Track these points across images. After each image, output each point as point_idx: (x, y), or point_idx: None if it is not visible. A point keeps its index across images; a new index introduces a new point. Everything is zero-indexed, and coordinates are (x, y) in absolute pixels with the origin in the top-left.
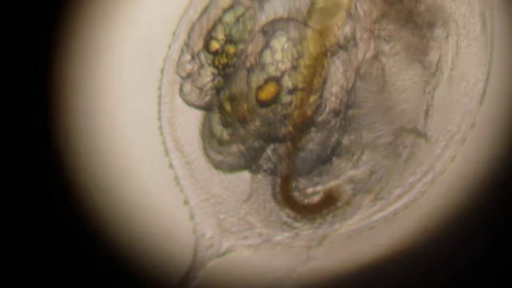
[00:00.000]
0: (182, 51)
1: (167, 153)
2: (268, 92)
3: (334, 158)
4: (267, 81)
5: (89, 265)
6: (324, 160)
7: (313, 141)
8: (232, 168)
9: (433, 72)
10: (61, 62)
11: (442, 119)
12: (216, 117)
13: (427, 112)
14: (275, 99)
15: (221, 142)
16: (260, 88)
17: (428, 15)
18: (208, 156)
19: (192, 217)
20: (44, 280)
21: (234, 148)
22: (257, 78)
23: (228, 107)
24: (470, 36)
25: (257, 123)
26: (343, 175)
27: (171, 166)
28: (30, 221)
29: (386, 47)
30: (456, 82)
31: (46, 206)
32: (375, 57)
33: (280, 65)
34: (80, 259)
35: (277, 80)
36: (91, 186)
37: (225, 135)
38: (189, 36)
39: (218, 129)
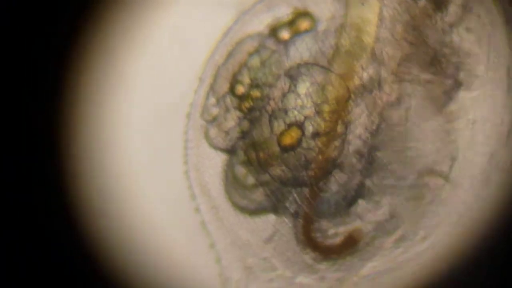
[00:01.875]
0: (207, 95)
1: (193, 197)
2: (291, 137)
3: (357, 200)
4: (290, 126)
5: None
6: (348, 202)
7: (336, 183)
8: (256, 212)
9: (456, 116)
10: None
11: (466, 162)
12: (239, 161)
13: (451, 154)
14: (298, 144)
15: (245, 186)
16: (282, 133)
17: (454, 59)
18: (232, 200)
19: (218, 260)
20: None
21: (258, 192)
22: (279, 123)
23: (251, 152)
24: (495, 79)
25: (280, 168)
26: (366, 217)
27: (197, 210)
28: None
29: (409, 91)
30: (480, 125)
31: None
32: (399, 99)
33: (303, 110)
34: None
35: (300, 125)
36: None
37: (249, 179)
38: (214, 80)
39: (242, 173)
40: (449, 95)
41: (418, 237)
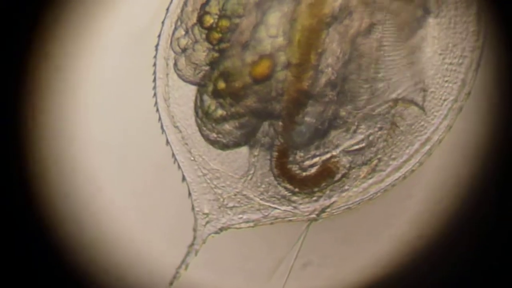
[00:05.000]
0: (175, 26)
1: (163, 129)
2: (263, 68)
3: (331, 131)
4: (261, 57)
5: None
6: (322, 133)
7: (310, 115)
8: (229, 145)
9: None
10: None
11: (438, 89)
12: (209, 93)
13: (423, 81)
14: (270, 75)
15: (214, 119)
16: (254, 64)
17: None
18: (202, 133)
19: (190, 193)
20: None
21: (228, 125)
22: (251, 54)
23: (222, 84)
24: (463, 4)
25: (252, 99)
26: (341, 147)
27: (167, 142)
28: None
29: (380, 19)
30: (451, 51)
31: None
32: (370, 28)
33: (274, 40)
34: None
35: (271, 56)
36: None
37: (219, 111)
38: (182, 11)
39: (211, 106)
40: (419, 22)
41: (391, 168)
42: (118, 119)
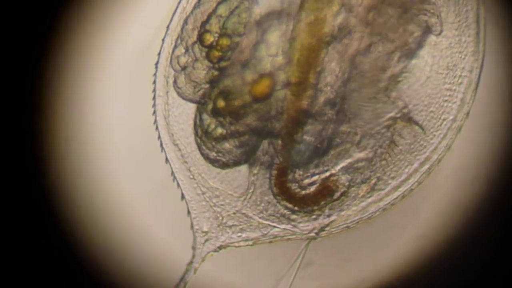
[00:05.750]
0: (175, 44)
1: (162, 147)
2: (263, 87)
3: (330, 149)
4: (261, 76)
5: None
6: (321, 151)
7: (309, 133)
8: (228, 164)
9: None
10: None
11: (438, 108)
12: (208, 112)
13: (422, 100)
14: (270, 94)
15: (214, 138)
16: (254, 83)
17: (424, 5)
18: (202, 152)
19: (189, 211)
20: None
21: (227, 144)
22: (251, 73)
23: (221, 102)
24: (463, 24)
25: (252, 118)
26: (340, 165)
27: (167, 160)
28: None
29: (380, 38)
30: (450, 71)
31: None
32: (370, 47)
33: (274, 59)
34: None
35: (271, 75)
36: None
37: (219, 130)
38: (182, 29)
39: (211, 124)
40: (419, 41)
41: (389, 187)
42: (118, 137)
